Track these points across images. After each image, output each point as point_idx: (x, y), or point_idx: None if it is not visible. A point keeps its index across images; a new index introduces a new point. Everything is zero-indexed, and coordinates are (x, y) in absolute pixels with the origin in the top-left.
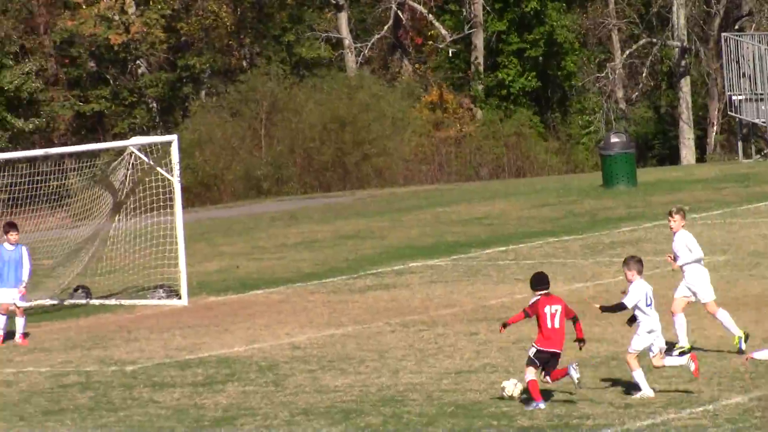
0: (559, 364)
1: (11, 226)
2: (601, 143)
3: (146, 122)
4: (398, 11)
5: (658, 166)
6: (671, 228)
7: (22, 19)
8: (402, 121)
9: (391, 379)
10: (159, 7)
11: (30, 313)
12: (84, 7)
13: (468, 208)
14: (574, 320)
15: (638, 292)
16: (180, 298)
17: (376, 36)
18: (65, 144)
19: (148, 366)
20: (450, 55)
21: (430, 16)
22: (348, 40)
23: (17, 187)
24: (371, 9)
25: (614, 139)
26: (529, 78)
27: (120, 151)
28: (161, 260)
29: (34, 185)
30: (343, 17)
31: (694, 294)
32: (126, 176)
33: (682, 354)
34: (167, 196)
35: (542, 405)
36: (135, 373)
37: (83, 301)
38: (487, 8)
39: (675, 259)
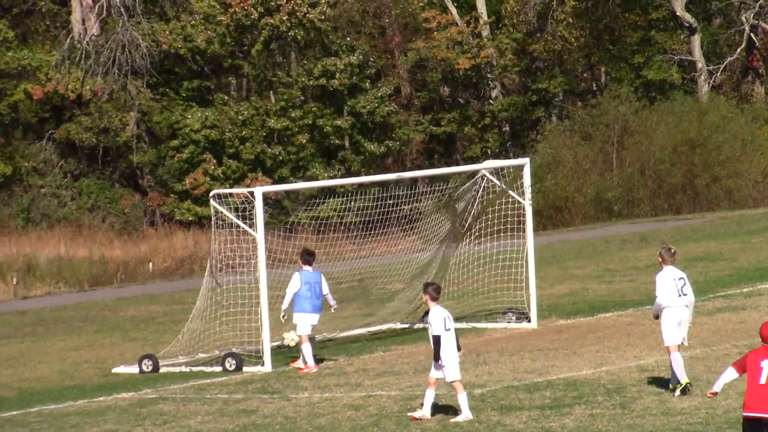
0: None
1: (310, 255)
2: None
3: (498, 145)
4: (751, 33)
5: None
6: None
7: (376, 43)
8: (752, 144)
9: (737, 401)
10: (510, 31)
11: (381, 336)
12: (436, 32)
13: None
14: None
15: None
16: (529, 321)
17: (729, 59)
18: (418, 167)
19: (496, 389)
20: None
21: None
22: (700, 63)
23: (370, 210)
24: (724, 31)
25: None
26: None
27: (472, 174)
28: (511, 283)
29: (386, 208)
30: (696, 40)
31: None
32: (475, 199)
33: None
34: (518, 219)
35: None
36: (483, 396)
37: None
38: None
39: None
